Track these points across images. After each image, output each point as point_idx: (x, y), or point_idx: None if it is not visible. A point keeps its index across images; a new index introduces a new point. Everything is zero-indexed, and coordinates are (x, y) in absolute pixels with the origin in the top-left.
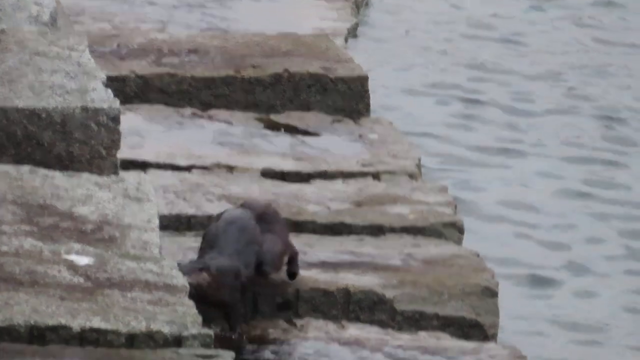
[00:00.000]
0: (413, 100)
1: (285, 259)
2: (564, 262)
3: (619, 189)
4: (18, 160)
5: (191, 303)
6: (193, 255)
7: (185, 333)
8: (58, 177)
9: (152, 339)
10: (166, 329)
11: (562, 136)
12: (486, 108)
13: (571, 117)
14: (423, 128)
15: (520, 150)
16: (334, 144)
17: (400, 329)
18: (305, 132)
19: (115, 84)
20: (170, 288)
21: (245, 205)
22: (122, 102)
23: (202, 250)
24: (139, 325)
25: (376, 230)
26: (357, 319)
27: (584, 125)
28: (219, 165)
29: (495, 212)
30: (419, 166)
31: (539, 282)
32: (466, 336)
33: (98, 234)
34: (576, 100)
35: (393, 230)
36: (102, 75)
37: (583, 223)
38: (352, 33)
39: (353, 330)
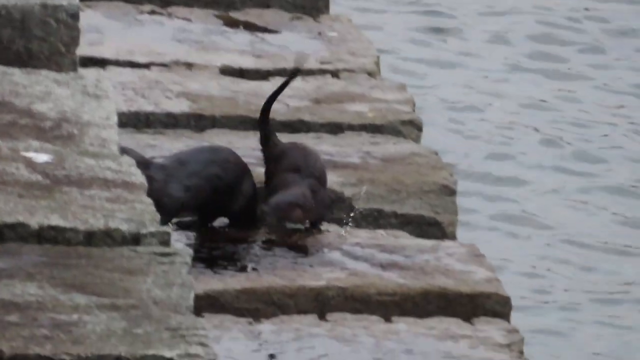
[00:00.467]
0: None
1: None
2: None
3: None
4: None
5: (149, 201)
6: (151, 152)
7: (143, 231)
8: (17, 74)
9: (110, 237)
10: (124, 227)
11: None
12: None
13: None
14: None
15: None
16: (293, 41)
17: (358, 226)
18: (265, 30)
19: None
20: (128, 185)
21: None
22: None
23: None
24: (97, 223)
25: (335, 128)
26: None
27: None
28: (177, 63)
29: None
30: (377, 64)
31: None
32: (425, 234)
33: (57, 131)
34: None
35: (352, 128)
36: None
37: None
38: None
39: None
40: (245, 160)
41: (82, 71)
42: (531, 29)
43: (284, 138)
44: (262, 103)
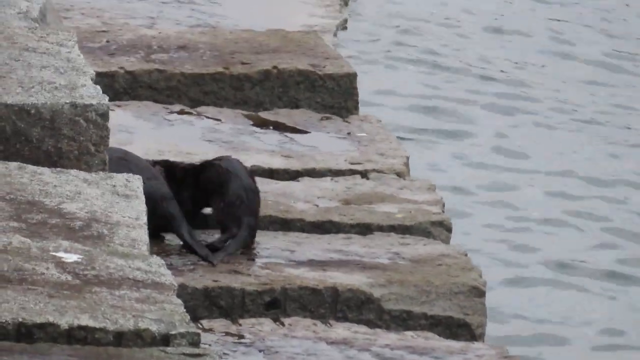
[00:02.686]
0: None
1: None
2: None
3: None
4: (7, 156)
5: (179, 301)
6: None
7: (173, 331)
8: (47, 174)
9: (140, 337)
10: (154, 327)
11: None
12: None
13: None
14: None
15: None
16: (322, 141)
17: (388, 328)
18: (294, 130)
19: (104, 80)
20: (158, 286)
21: None
22: (111, 99)
23: None
24: (126, 323)
25: (364, 229)
26: (344, 318)
27: None
28: None
29: None
30: (407, 165)
31: None
32: (454, 336)
33: (86, 231)
34: None
35: (381, 229)
36: (91, 72)
37: None
38: (341, 28)
39: (341, 329)
40: (274, 260)
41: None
42: None
43: (313, 240)
44: (291, 203)
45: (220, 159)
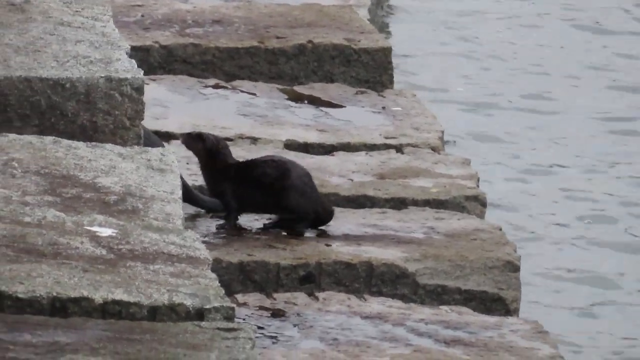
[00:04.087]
0: None
1: None
2: None
3: None
4: (42, 130)
5: (214, 276)
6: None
7: (207, 306)
8: (82, 148)
9: (174, 312)
10: (188, 302)
11: None
12: None
13: None
14: None
15: None
16: (357, 115)
17: (422, 302)
18: (329, 104)
19: (139, 54)
20: (192, 260)
21: None
22: (146, 73)
23: None
24: (161, 297)
25: (399, 204)
26: (379, 293)
27: None
28: (242, 137)
29: None
30: (442, 139)
31: None
32: (488, 310)
33: (121, 205)
34: None
35: (416, 203)
36: (126, 46)
37: None
38: (375, 4)
39: (375, 304)
40: (309, 235)
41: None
42: None
43: (348, 214)
44: (326, 178)
45: (269, 157)
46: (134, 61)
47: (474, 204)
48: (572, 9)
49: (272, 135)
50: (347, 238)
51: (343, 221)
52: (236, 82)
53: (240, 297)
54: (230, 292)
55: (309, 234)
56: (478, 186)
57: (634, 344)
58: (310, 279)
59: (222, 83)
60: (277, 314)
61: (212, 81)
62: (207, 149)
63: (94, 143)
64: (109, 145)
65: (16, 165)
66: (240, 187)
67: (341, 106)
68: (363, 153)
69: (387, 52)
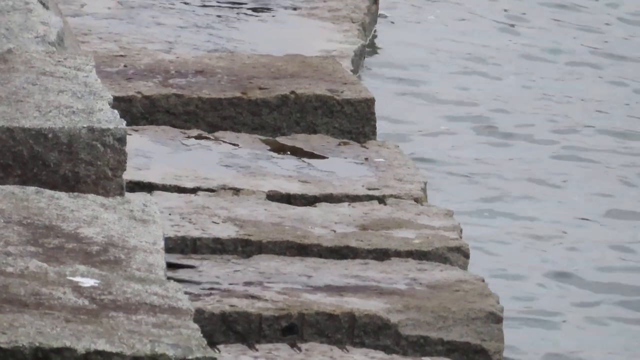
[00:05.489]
0: None
1: None
2: None
3: None
4: (24, 180)
5: (196, 326)
6: (197, 278)
7: (190, 356)
8: (64, 198)
9: None
10: (171, 352)
11: None
12: None
13: None
14: None
15: None
16: (340, 167)
17: (405, 354)
18: (312, 155)
19: (122, 104)
20: (175, 311)
21: None
22: (129, 123)
23: None
24: (143, 348)
25: (381, 255)
26: (361, 344)
27: None
28: (225, 188)
29: None
30: (424, 190)
31: None
32: None
33: (103, 256)
34: None
35: (398, 254)
36: (109, 96)
37: None
38: (359, 55)
39: (358, 355)
40: (291, 286)
41: (129, 195)
42: None
43: (330, 265)
44: (309, 229)
45: None
46: (116, 111)
47: (457, 255)
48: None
49: (255, 186)
50: (329, 289)
51: (326, 272)
52: (219, 133)
53: (222, 348)
54: (212, 343)
55: (290, 284)
56: (460, 237)
57: None
58: (293, 330)
59: (205, 134)
60: None
61: (195, 132)
62: None
63: (76, 194)
64: (91, 196)
65: None
66: None
67: (324, 157)
68: (346, 204)
69: (370, 103)
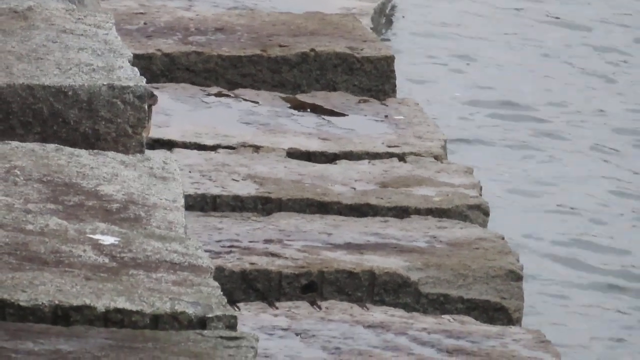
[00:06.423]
0: None
1: None
2: None
3: None
4: (44, 138)
5: (216, 284)
6: (217, 235)
7: (209, 314)
8: (84, 156)
9: (176, 320)
10: (191, 310)
11: None
12: None
13: None
14: None
15: None
16: (359, 124)
17: (425, 312)
18: (331, 112)
19: (142, 62)
20: (195, 268)
21: None
22: (149, 81)
23: None
24: (163, 306)
25: (401, 212)
26: (381, 302)
27: None
28: (244, 145)
29: None
30: (444, 148)
31: None
32: (490, 320)
33: (123, 213)
34: None
35: (418, 212)
36: (129, 53)
37: None
38: (379, 13)
39: (377, 313)
40: (311, 244)
41: (149, 153)
42: None
43: (350, 222)
44: (329, 186)
45: None
46: (136, 69)
47: (477, 212)
48: None
49: (275, 144)
50: (349, 247)
51: (346, 230)
52: (239, 91)
53: (242, 306)
54: (232, 301)
55: (310, 242)
56: (480, 195)
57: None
58: (313, 288)
59: (225, 91)
60: (279, 323)
61: (215, 89)
62: None
63: (96, 151)
64: (111, 153)
65: (18, 173)
66: None
67: (344, 115)
68: (366, 162)
69: (389, 60)
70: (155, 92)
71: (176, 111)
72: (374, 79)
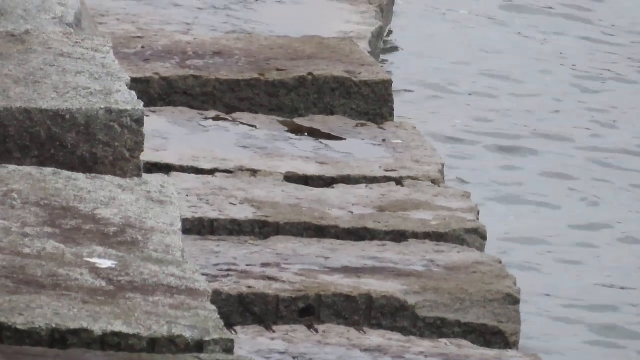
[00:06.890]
0: None
1: None
2: None
3: None
4: (42, 161)
5: (213, 308)
6: (215, 259)
7: (207, 338)
8: (81, 179)
9: (173, 344)
10: (188, 334)
11: None
12: None
13: None
14: None
15: None
16: (357, 148)
17: (422, 335)
18: (329, 136)
19: (139, 86)
20: (192, 292)
21: None
22: (146, 105)
23: None
24: (160, 329)
25: (399, 236)
26: (378, 325)
27: None
28: (242, 169)
29: None
30: (441, 172)
31: None
32: (488, 344)
33: (121, 237)
34: None
35: (415, 236)
36: (126, 77)
37: None
38: (376, 37)
39: (375, 336)
40: (308, 267)
41: (146, 177)
42: None
43: (348, 246)
44: (326, 210)
45: None
46: (134, 93)
47: (474, 236)
48: None
49: (272, 168)
50: (346, 270)
51: (343, 253)
52: (236, 114)
53: (239, 329)
54: (229, 325)
55: (308, 266)
56: (478, 219)
57: None
58: (310, 311)
59: (222, 115)
60: (276, 346)
61: (212, 113)
62: None
63: (93, 175)
64: (108, 177)
65: (16, 196)
66: None
67: (341, 139)
68: (363, 186)
69: (387, 84)
70: (153, 116)
71: (174, 135)
72: (371, 102)
